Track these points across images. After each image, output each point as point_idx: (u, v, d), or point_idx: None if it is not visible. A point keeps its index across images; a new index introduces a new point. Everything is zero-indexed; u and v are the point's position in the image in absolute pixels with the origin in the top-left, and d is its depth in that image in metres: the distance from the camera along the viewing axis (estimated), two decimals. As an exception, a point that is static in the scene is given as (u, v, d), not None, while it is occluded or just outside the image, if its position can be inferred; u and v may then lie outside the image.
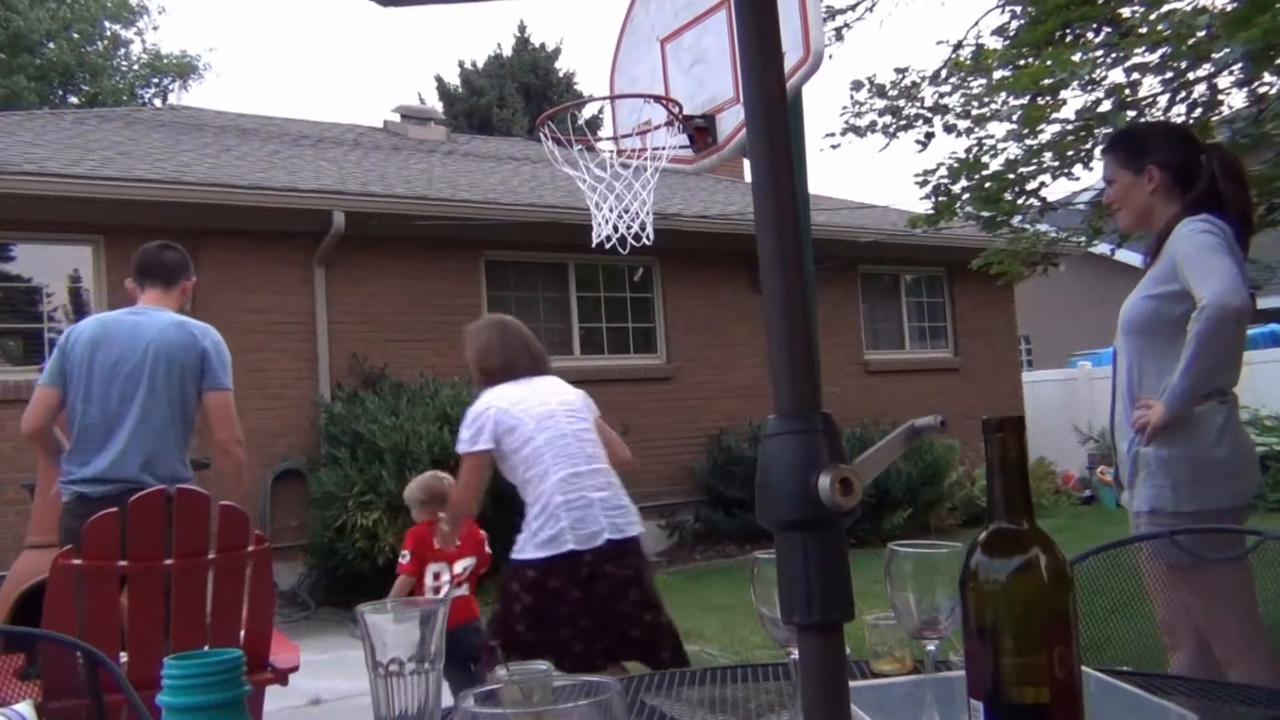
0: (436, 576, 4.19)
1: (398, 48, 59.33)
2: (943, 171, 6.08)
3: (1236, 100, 5.75)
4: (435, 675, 1.02)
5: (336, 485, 7.49)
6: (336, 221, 8.20)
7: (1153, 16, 5.24)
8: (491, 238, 9.19)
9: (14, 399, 6.79)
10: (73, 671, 2.31)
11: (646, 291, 10.38)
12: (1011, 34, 6.20)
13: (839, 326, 10.98)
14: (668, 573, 8.79)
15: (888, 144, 6.59)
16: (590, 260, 9.68)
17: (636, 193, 3.65)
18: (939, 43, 9.08)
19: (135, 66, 25.95)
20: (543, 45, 24.80)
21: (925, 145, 6.50)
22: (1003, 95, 5.82)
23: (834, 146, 6.78)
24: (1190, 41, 4.61)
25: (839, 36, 6.70)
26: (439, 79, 24.36)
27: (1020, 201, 6.04)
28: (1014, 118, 5.75)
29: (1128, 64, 5.32)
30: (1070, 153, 5.67)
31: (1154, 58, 5.17)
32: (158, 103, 24.26)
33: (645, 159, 3.63)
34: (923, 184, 6.21)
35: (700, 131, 3.57)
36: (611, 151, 3.91)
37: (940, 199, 6.16)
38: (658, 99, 3.63)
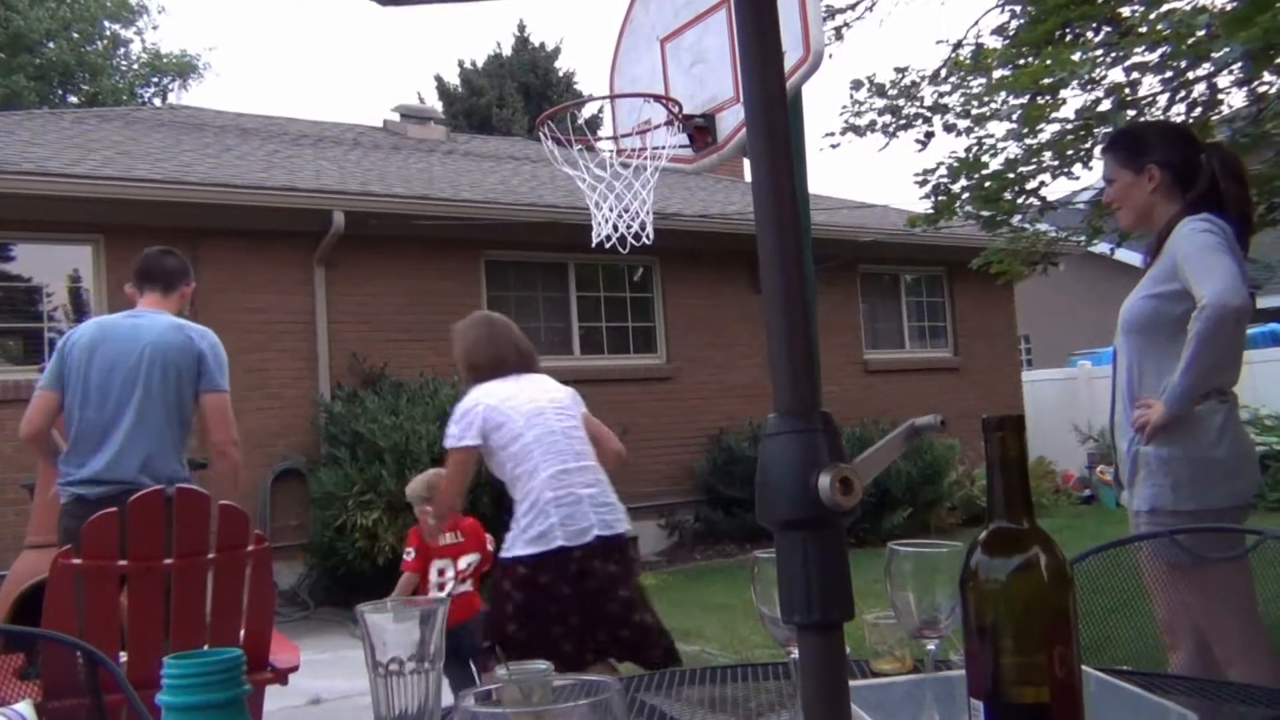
0: (441, 573, 4.20)
1: (397, 47, 59.36)
2: (942, 171, 6.08)
3: (1236, 100, 5.75)
4: (435, 675, 1.03)
5: (336, 485, 7.49)
6: (336, 221, 8.20)
7: (1152, 16, 5.24)
8: (491, 237, 9.19)
9: (14, 399, 6.79)
10: (72, 671, 2.31)
11: (646, 291, 10.38)
12: (1011, 33, 6.19)
13: (839, 326, 10.99)
14: (667, 572, 8.79)
15: (887, 143, 6.60)
16: (590, 260, 9.68)
17: (636, 192, 3.65)
18: (939, 42, 9.08)
19: (135, 66, 25.95)
20: (542, 45, 24.80)
21: (925, 145, 6.51)
22: (1002, 94, 5.82)
23: (834, 146, 6.78)
24: (1190, 41, 4.61)
25: (839, 36, 6.70)
26: (439, 79, 24.36)
27: (1020, 201, 6.04)
28: (1014, 117, 5.75)
29: (1127, 63, 5.32)
30: (1070, 152, 5.67)
31: (1154, 57, 5.16)
32: (157, 102, 24.26)
33: (645, 158, 3.63)
34: (922, 183, 6.21)
35: (700, 131, 3.57)
36: (611, 151, 3.91)
37: (940, 198, 6.16)
38: (658, 98, 3.63)
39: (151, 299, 3.67)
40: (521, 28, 24.76)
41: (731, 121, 3.49)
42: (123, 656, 2.69)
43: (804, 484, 0.79)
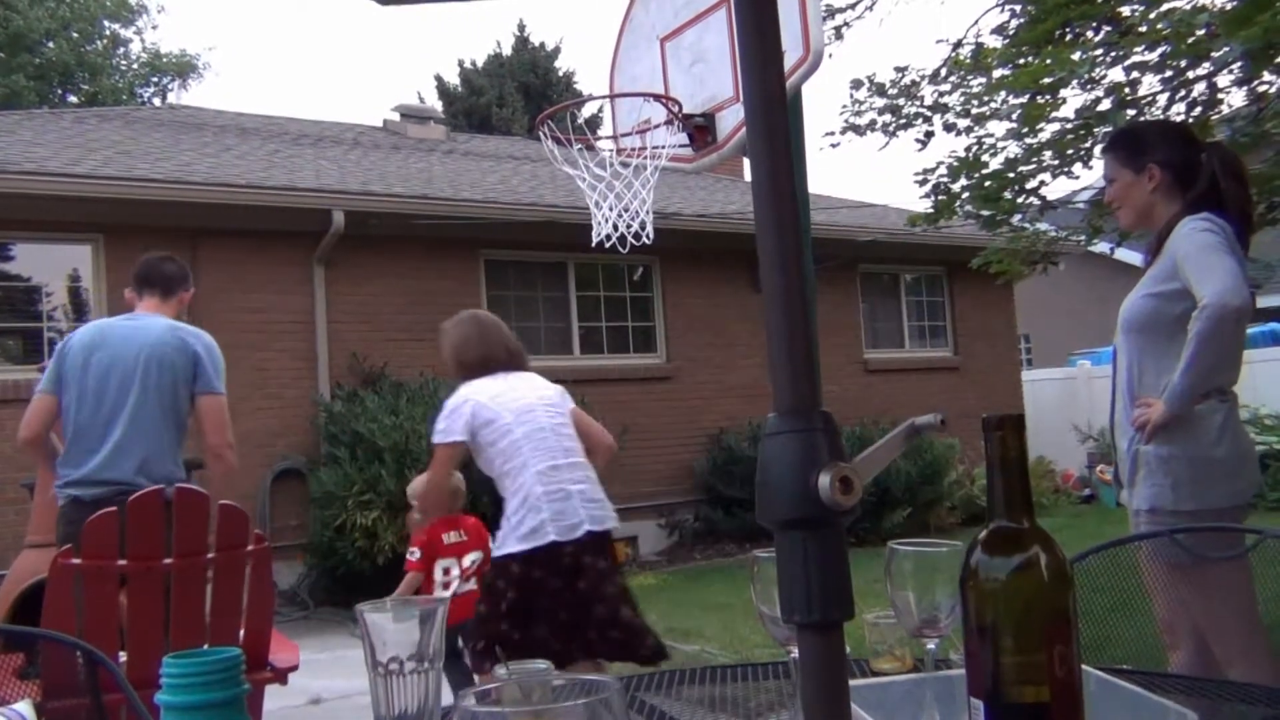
0: (446, 572, 4.19)
1: (397, 47, 59.35)
2: (942, 170, 6.08)
3: (1236, 99, 5.75)
4: (435, 674, 1.03)
5: (336, 485, 7.49)
6: (336, 221, 8.20)
7: (1152, 15, 5.24)
8: (491, 237, 9.19)
9: (13, 398, 6.79)
10: (72, 671, 2.31)
11: (646, 291, 10.38)
12: (1011, 33, 6.19)
13: (839, 325, 10.99)
14: (667, 572, 8.79)
15: (887, 143, 6.59)
16: (590, 259, 9.68)
17: (636, 192, 3.65)
18: (939, 41, 9.08)
19: (135, 66, 25.95)
20: (542, 44, 24.80)
21: (925, 144, 6.50)
22: (1002, 94, 5.81)
23: (834, 145, 6.78)
24: (1190, 40, 4.61)
25: (839, 35, 6.70)
26: (438, 78, 24.38)
27: (1020, 200, 6.04)
28: (1014, 116, 5.75)
29: (1127, 63, 5.32)
30: (1070, 151, 5.67)
31: (1153, 56, 5.16)
32: (157, 102, 24.26)
33: (645, 158, 3.62)
34: (922, 183, 6.20)
35: (700, 130, 3.57)
36: (611, 150, 3.91)
37: (940, 198, 6.15)
38: (657, 98, 3.62)
39: (150, 303, 3.70)
40: (521, 27, 24.77)
41: (731, 121, 3.49)
42: (122, 656, 2.69)
43: (804, 483, 0.79)
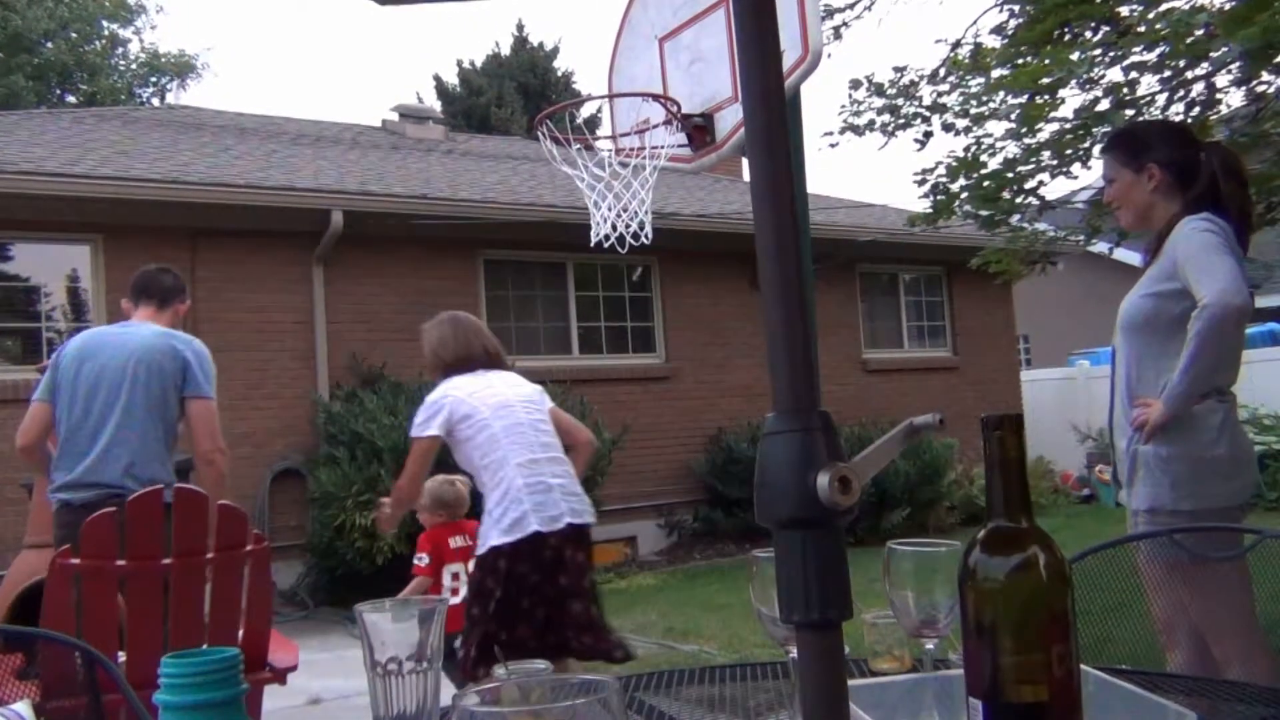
0: (455, 577, 4.19)
1: (396, 47, 59.32)
2: (941, 170, 6.08)
3: (1235, 99, 5.75)
4: (434, 674, 1.03)
5: (335, 485, 7.49)
6: (335, 220, 8.20)
7: (1151, 15, 5.24)
8: (490, 237, 9.19)
9: (12, 399, 6.79)
10: (71, 671, 2.30)
11: (645, 291, 10.38)
12: (1010, 33, 6.19)
13: (838, 325, 10.99)
14: (667, 572, 8.79)
15: (886, 143, 6.59)
16: (589, 259, 9.68)
17: (635, 191, 3.65)
18: (937, 41, 9.07)
19: (133, 66, 25.93)
20: (541, 44, 24.80)
21: (924, 144, 6.50)
22: (1001, 94, 5.81)
23: (832, 145, 6.78)
24: (1188, 40, 4.61)
25: (837, 35, 6.70)
26: (437, 78, 24.37)
27: (1019, 200, 6.04)
28: (1012, 116, 5.75)
29: (1126, 63, 5.32)
30: (1069, 151, 5.67)
31: (1152, 56, 5.16)
32: (156, 102, 24.25)
33: (644, 158, 3.62)
34: (921, 183, 6.20)
35: (699, 130, 3.57)
36: (610, 150, 3.91)
37: (939, 198, 6.15)
38: (656, 98, 3.63)
39: (145, 313, 3.75)
40: (520, 27, 24.78)
41: (730, 121, 3.49)
42: (121, 656, 2.69)
43: (803, 483, 0.79)
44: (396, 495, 3.65)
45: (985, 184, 5.91)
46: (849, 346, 11.31)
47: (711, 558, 9.33)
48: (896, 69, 6.55)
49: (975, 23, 6.62)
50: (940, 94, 6.42)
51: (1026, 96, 5.51)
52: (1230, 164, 2.58)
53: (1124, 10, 5.56)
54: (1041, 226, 7.02)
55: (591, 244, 3.70)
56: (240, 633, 2.98)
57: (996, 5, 6.30)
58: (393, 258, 8.86)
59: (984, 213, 6.07)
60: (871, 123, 6.54)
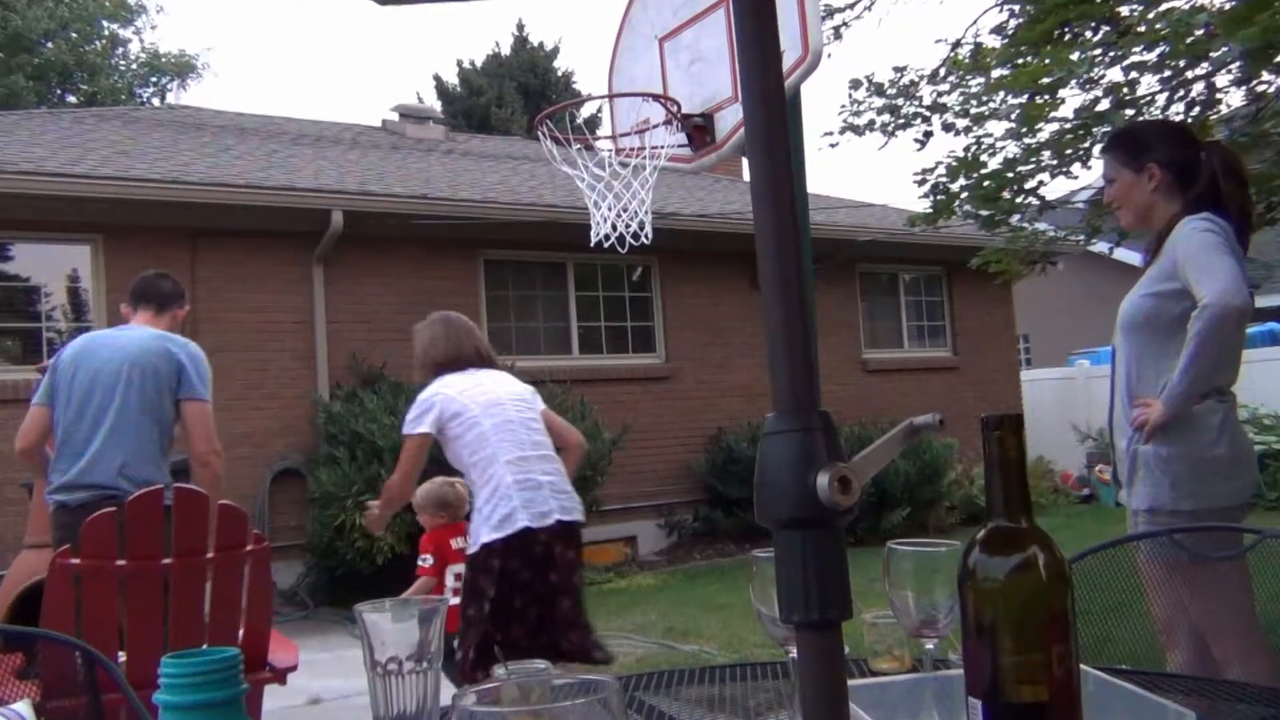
0: (458, 578, 4.20)
1: (396, 47, 59.33)
2: (941, 170, 6.08)
3: (1235, 99, 5.75)
4: (434, 674, 1.03)
5: (335, 485, 7.49)
6: (335, 220, 8.20)
7: (1151, 15, 5.24)
8: (490, 237, 9.19)
9: (12, 399, 6.79)
10: (71, 671, 2.30)
11: (645, 291, 10.38)
12: (1010, 33, 6.19)
13: (838, 325, 10.99)
14: (667, 572, 8.79)
15: (886, 143, 6.59)
16: (589, 259, 9.68)
17: (635, 191, 3.65)
18: (937, 41, 9.07)
19: (134, 66, 25.93)
20: (541, 44, 24.80)
21: (924, 144, 6.50)
22: (1001, 94, 5.81)
23: (832, 145, 6.79)
24: (1188, 40, 4.61)
25: (837, 35, 6.70)
26: (437, 78, 24.36)
27: (1019, 200, 6.04)
28: (1012, 116, 5.75)
29: (1126, 63, 5.32)
30: (1069, 151, 5.67)
31: (1152, 56, 5.16)
32: (156, 102, 24.25)
33: (644, 158, 3.62)
34: (921, 183, 6.21)
35: (699, 130, 3.57)
36: (610, 150, 3.91)
37: (939, 198, 6.16)
38: (656, 97, 3.62)
39: (144, 317, 3.80)
40: (520, 27, 24.78)
41: (730, 121, 3.49)
42: (121, 656, 2.69)
43: (802, 483, 0.79)
44: (387, 494, 3.65)
45: (985, 184, 5.91)
46: (849, 346, 11.31)
47: (711, 558, 9.33)
48: (896, 69, 6.56)
49: (975, 23, 6.62)
50: (940, 94, 6.42)
51: (1026, 96, 5.51)
52: (1230, 164, 2.58)
53: (1124, 10, 5.57)
54: (1041, 226, 7.02)
55: (591, 244, 3.70)
56: (240, 633, 2.98)
57: (996, 5, 6.30)
58: (393, 258, 8.86)
59: (984, 213, 6.07)
60: (871, 123, 6.54)
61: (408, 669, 1.00)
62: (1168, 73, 5.29)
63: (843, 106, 6.57)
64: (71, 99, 23.54)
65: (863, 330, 11.64)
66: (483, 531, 3.32)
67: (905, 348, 12.12)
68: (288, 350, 8.38)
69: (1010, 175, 5.91)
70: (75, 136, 9.33)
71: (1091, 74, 5.36)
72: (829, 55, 7.58)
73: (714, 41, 3.51)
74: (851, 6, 6.63)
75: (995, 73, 5.91)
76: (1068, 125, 5.58)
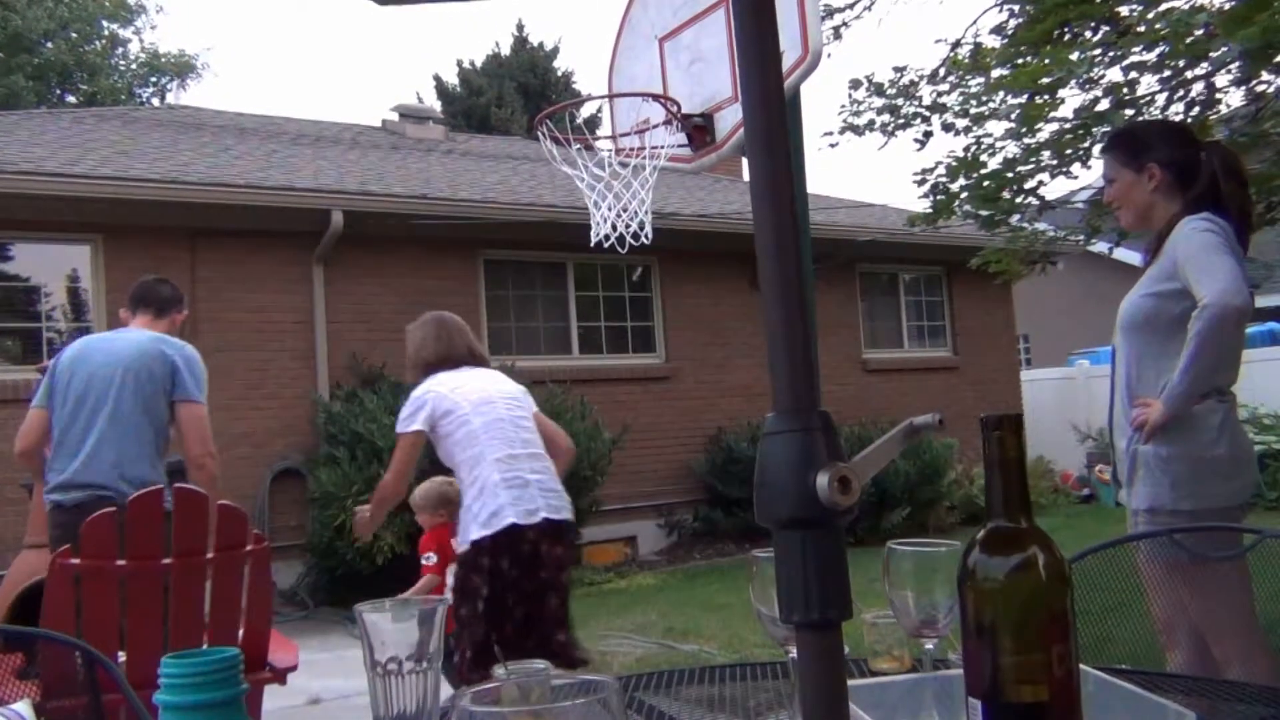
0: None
1: (396, 47, 59.32)
2: (941, 170, 6.08)
3: (1235, 99, 5.75)
4: (433, 674, 1.03)
5: (335, 485, 7.49)
6: (335, 220, 8.20)
7: (1150, 15, 5.24)
8: (490, 237, 9.19)
9: (12, 399, 6.79)
10: (71, 671, 2.30)
11: (645, 291, 10.38)
12: (1009, 33, 6.19)
13: (838, 325, 10.99)
14: (667, 572, 8.79)
15: (886, 143, 6.59)
16: (589, 259, 9.68)
17: (635, 191, 3.65)
18: (937, 41, 9.07)
19: (133, 66, 25.93)
20: (541, 44, 24.80)
21: (923, 144, 6.50)
22: (1001, 94, 5.81)
23: (832, 145, 6.78)
24: (1188, 40, 4.61)
25: (837, 35, 6.70)
26: (437, 78, 24.37)
27: (1019, 200, 6.04)
28: (1012, 116, 5.75)
29: (1125, 63, 5.32)
30: (1068, 151, 5.67)
31: (1152, 56, 5.16)
32: (156, 102, 24.25)
33: (644, 158, 3.62)
34: (921, 183, 6.20)
35: (699, 130, 3.57)
36: (610, 150, 3.91)
37: (939, 198, 6.15)
38: (656, 97, 3.62)
39: (142, 321, 3.84)
40: (520, 27, 24.78)
41: (730, 121, 3.49)
42: (121, 656, 2.69)
43: (802, 483, 0.79)
44: (380, 493, 3.65)
45: (985, 184, 5.91)
46: (849, 346, 11.31)
47: (711, 558, 9.33)
48: (896, 69, 6.56)
49: (975, 23, 6.62)
50: (940, 94, 6.42)
51: (1026, 96, 5.51)
52: (1230, 164, 2.58)
53: (1124, 10, 5.56)
54: (1041, 226, 7.02)
55: (591, 244, 3.70)
56: (240, 633, 2.98)
57: (996, 5, 6.30)
58: (393, 258, 8.86)
59: (984, 213, 6.07)
60: (871, 123, 6.54)
61: (408, 669, 1.00)
62: (1167, 73, 5.29)
63: (843, 106, 6.57)
64: (71, 99, 23.54)
65: (863, 330, 11.64)
66: (471, 529, 3.33)
67: (905, 348, 12.12)
68: (288, 350, 8.38)
69: (1010, 175, 5.91)
70: (75, 136, 9.33)
71: (1091, 74, 5.36)
72: (829, 55, 7.58)
73: (714, 41, 3.51)
74: (851, 6, 6.63)
75: (995, 73, 5.91)
76: (1068, 125, 5.58)
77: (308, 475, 8.04)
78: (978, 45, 6.42)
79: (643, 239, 3.63)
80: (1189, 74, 5.34)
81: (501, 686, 1.05)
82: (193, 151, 9.43)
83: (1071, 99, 5.67)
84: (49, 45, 22.94)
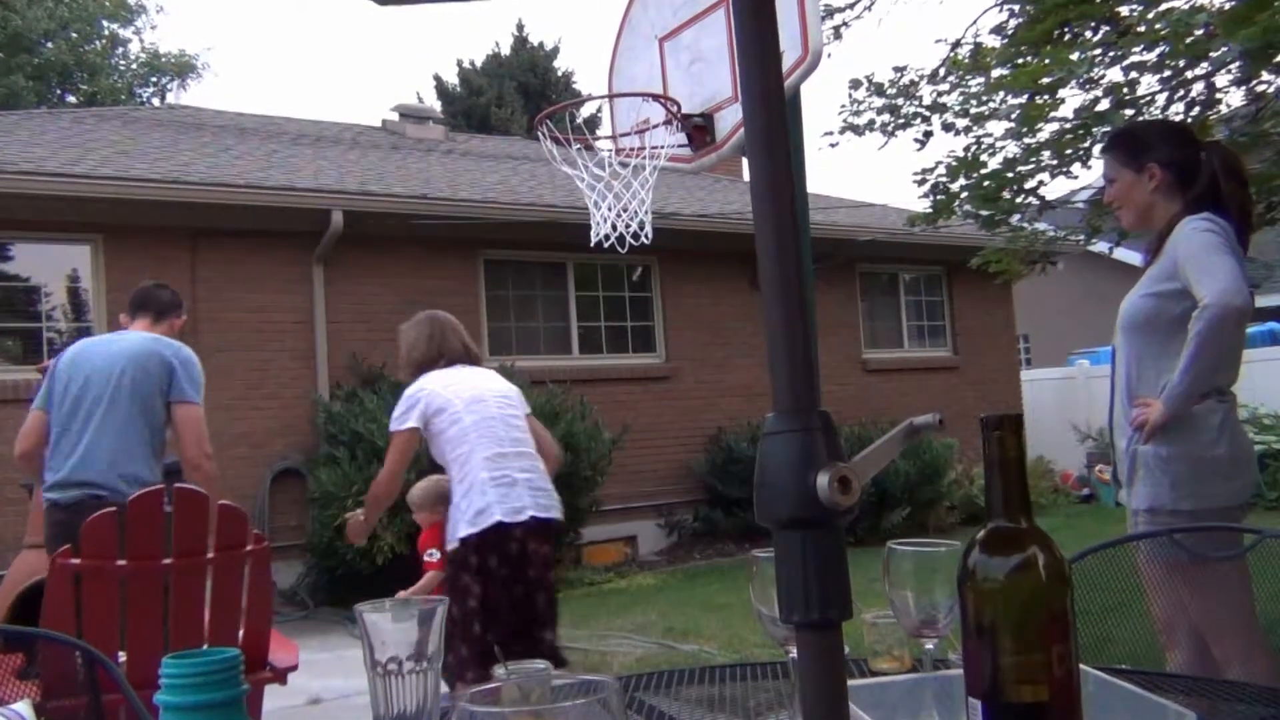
0: None
1: (396, 47, 59.31)
2: (941, 170, 6.08)
3: (1235, 99, 5.75)
4: (434, 674, 1.03)
5: (335, 485, 7.49)
6: (335, 220, 8.20)
7: (1150, 15, 5.24)
8: (490, 237, 9.19)
9: (12, 399, 6.79)
10: (71, 671, 2.31)
11: (645, 291, 10.38)
12: (1010, 32, 6.19)
13: (838, 325, 10.99)
14: (667, 572, 8.79)
15: (886, 143, 6.59)
16: (589, 259, 9.68)
17: (635, 191, 3.65)
18: (937, 41, 9.07)
19: (134, 66, 25.93)
20: (541, 44, 24.80)
21: (924, 144, 6.50)
22: (1001, 94, 5.81)
23: (832, 145, 6.79)
24: (1188, 40, 4.61)
25: (837, 35, 6.70)
26: (437, 78, 24.37)
27: (1019, 200, 6.04)
28: (1012, 116, 5.75)
29: (1126, 63, 5.32)
30: (1069, 151, 5.67)
31: (1152, 56, 5.16)
32: (156, 102, 24.25)
33: (644, 158, 3.63)
34: (921, 183, 6.21)
35: (699, 130, 3.57)
36: (610, 150, 3.91)
37: (939, 198, 6.16)
38: (656, 97, 3.63)
39: (142, 324, 3.86)
40: (520, 27, 24.78)
41: (730, 121, 3.49)
42: (122, 656, 2.69)
43: (802, 483, 0.79)
44: (374, 492, 3.64)
45: (985, 184, 5.91)
46: (849, 346, 11.31)
47: (711, 558, 9.33)
48: (896, 69, 6.56)
49: (975, 23, 6.62)
50: (940, 94, 6.42)
51: (1026, 96, 5.51)
52: (1230, 164, 2.58)
53: (1124, 10, 5.56)
54: (1041, 226, 7.02)
55: (591, 244, 3.71)
56: (240, 633, 2.98)
57: (996, 5, 6.30)
58: (393, 258, 8.86)
59: (984, 213, 6.07)
60: (871, 123, 6.55)
61: (408, 669, 1.00)
62: (1168, 73, 5.29)
63: (843, 106, 6.57)
64: (71, 99, 23.54)
65: (863, 330, 11.63)
66: (460, 527, 3.35)
67: (905, 348, 12.12)
68: (288, 350, 8.38)
69: (1010, 175, 5.91)
70: (75, 136, 9.33)
71: (1091, 74, 5.36)
72: (829, 55, 7.58)
73: (714, 41, 3.51)
74: (851, 6, 6.63)
75: (995, 73, 5.91)
76: (1068, 125, 5.58)
77: (308, 475, 8.04)
78: (978, 45, 6.42)
79: (643, 239, 3.63)
80: (1189, 74, 5.34)
81: (501, 686, 1.05)
82: (193, 151, 9.43)
83: (1071, 99, 5.68)
84: (49, 45, 22.94)
